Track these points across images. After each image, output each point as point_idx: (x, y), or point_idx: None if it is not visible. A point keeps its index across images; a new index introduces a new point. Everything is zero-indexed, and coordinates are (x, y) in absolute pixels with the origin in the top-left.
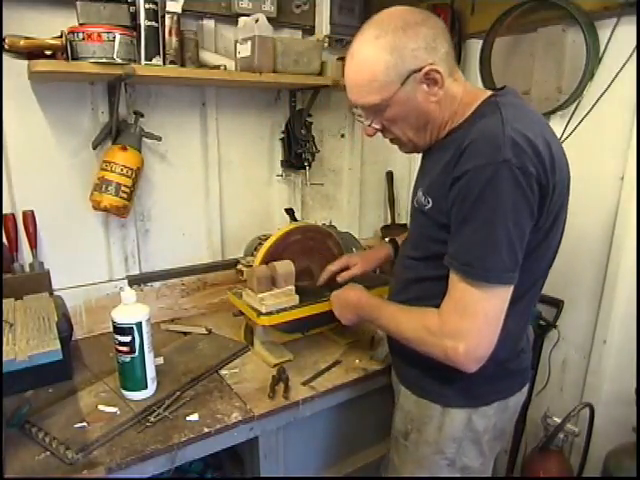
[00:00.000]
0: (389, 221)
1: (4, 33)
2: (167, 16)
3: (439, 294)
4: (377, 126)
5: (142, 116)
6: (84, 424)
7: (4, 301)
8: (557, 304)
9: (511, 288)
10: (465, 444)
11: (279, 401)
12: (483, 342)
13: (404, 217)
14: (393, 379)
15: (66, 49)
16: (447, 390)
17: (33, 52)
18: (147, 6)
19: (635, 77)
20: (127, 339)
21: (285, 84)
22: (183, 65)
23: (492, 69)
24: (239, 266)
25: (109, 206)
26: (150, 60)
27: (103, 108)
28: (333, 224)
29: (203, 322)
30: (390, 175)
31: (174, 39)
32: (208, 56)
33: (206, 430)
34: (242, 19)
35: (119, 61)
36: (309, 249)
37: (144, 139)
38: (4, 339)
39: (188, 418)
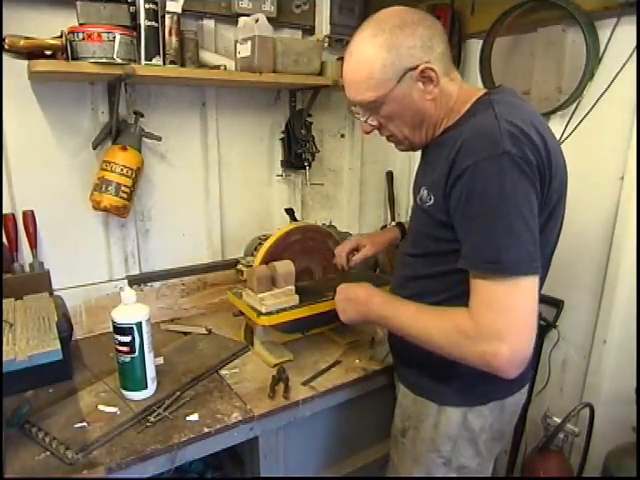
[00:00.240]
0: (389, 221)
1: (4, 33)
2: (167, 16)
3: (437, 291)
4: (373, 123)
5: (142, 116)
6: (84, 424)
7: (4, 301)
8: (557, 304)
9: (537, 278)
10: (460, 443)
11: (279, 401)
12: (524, 340)
13: (404, 217)
14: (394, 377)
15: (66, 49)
16: (444, 388)
17: (33, 52)
18: (147, 6)
19: (635, 77)
20: (127, 339)
21: (285, 84)
22: (183, 65)
23: (492, 69)
24: (239, 266)
25: (109, 206)
26: (150, 60)
27: (103, 108)
28: (333, 224)
29: (203, 322)
30: (390, 175)
31: (174, 39)
32: (208, 56)
33: (206, 430)
34: (242, 19)
35: (119, 61)
36: (309, 249)
37: (144, 139)
38: (4, 339)
39: (188, 418)
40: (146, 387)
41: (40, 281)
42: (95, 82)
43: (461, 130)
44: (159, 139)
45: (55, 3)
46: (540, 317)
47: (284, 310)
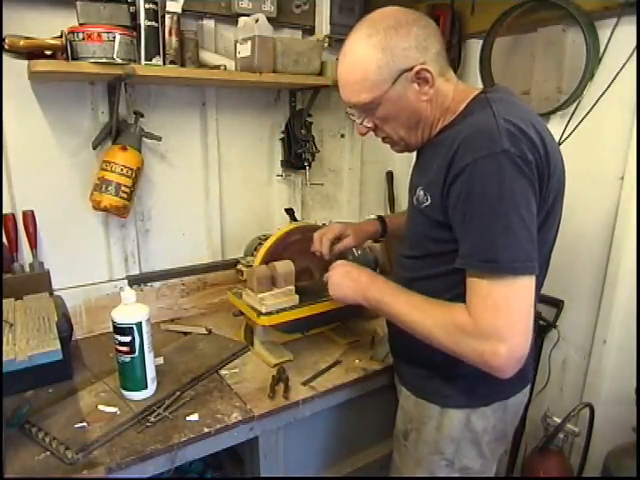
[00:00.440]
0: None
1: (4, 33)
2: (167, 16)
3: (438, 292)
4: (369, 124)
5: (142, 116)
6: (84, 424)
7: (4, 301)
8: (557, 304)
9: (534, 278)
10: (464, 444)
11: (279, 401)
12: (522, 340)
13: None
14: (395, 379)
15: (66, 49)
16: (446, 390)
17: (33, 52)
18: (147, 6)
19: (635, 77)
20: (127, 339)
21: (285, 84)
22: (183, 65)
23: (492, 69)
24: (239, 266)
25: (109, 206)
26: (150, 60)
27: (103, 108)
28: None
29: (203, 322)
30: (390, 175)
31: (174, 39)
32: (208, 56)
33: (206, 430)
34: (242, 19)
35: (119, 61)
36: (309, 249)
37: (144, 139)
38: (4, 339)
39: (188, 418)
40: (146, 387)
41: (40, 281)
42: (95, 82)
43: (458, 129)
44: (159, 139)
45: (55, 3)
46: (540, 317)
47: (284, 310)
